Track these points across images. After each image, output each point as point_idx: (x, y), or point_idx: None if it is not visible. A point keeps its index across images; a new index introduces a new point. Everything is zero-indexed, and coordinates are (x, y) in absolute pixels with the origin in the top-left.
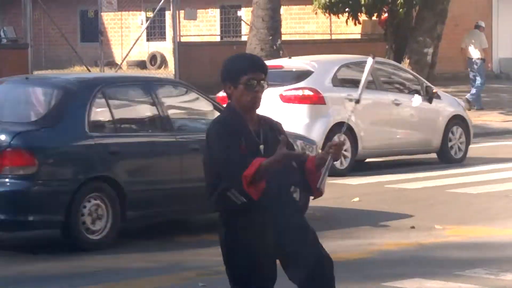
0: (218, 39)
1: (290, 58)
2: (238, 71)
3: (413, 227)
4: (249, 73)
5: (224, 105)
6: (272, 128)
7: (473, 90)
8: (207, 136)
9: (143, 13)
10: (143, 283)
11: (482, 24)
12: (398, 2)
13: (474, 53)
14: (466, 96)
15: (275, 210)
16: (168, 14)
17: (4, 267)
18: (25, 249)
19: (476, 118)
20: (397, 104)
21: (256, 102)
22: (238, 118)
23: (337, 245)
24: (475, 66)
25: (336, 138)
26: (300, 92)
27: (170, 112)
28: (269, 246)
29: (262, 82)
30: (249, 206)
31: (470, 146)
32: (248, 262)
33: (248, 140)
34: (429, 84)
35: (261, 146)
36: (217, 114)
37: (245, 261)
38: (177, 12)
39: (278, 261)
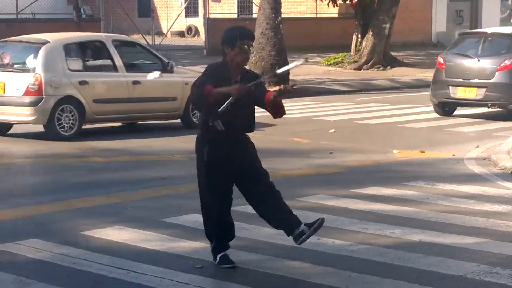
0: (235, 16)
1: None
2: (236, 37)
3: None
4: (244, 40)
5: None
6: (251, 77)
7: None
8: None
9: None
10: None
11: None
12: None
13: None
14: None
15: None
16: None
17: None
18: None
19: (419, 74)
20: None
21: (245, 62)
22: (227, 70)
23: (318, 163)
24: None
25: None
26: None
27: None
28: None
29: (250, 47)
30: (225, 132)
31: (416, 94)
32: (220, 162)
33: (227, 85)
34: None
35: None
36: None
37: (219, 160)
38: None
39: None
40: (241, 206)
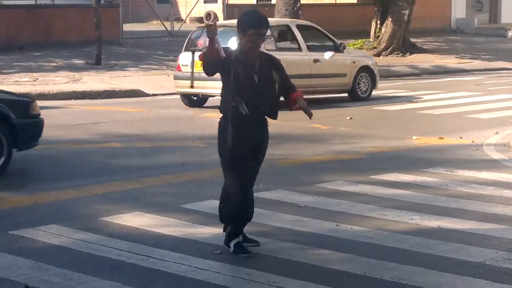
0: (254, 1)
1: None
2: (248, 25)
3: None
4: (254, 29)
5: None
6: (270, 61)
7: None
8: None
9: None
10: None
11: None
12: None
13: None
14: None
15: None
16: None
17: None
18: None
19: (438, 61)
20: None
21: (255, 49)
22: (242, 54)
23: (337, 149)
24: None
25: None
26: None
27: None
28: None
29: (262, 35)
30: (248, 116)
31: (435, 80)
32: (243, 145)
33: (245, 70)
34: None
35: (254, 75)
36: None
37: (243, 144)
38: None
39: None
40: (260, 192)
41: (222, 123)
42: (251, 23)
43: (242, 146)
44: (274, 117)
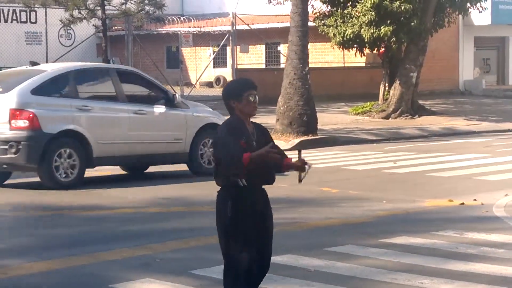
0: (263, 66)
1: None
2: (242, 89)
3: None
4: (249, 91)
5: None
6: (261, 131)
7: None
8: (218, 133)
9: (210, 48)
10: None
11: None
12: (392, 40)
13: None
14: None
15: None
16: (228, 49)
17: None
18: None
19: (447, 123)
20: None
21: (254, 109)
22: (241, 123)
23: (348, 213)
24: None
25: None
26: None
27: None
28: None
29: (255, 96)
30: (247, 187)
31: (444, 142)
32: (246, 221)
33: (247, 138)
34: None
35: (254, 143)
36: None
37: (245, 220)
38: (235, 47)
39: None
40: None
41: (220, 197)
42: (244, 86)
43: (243, 216)
44: (272, 182)
